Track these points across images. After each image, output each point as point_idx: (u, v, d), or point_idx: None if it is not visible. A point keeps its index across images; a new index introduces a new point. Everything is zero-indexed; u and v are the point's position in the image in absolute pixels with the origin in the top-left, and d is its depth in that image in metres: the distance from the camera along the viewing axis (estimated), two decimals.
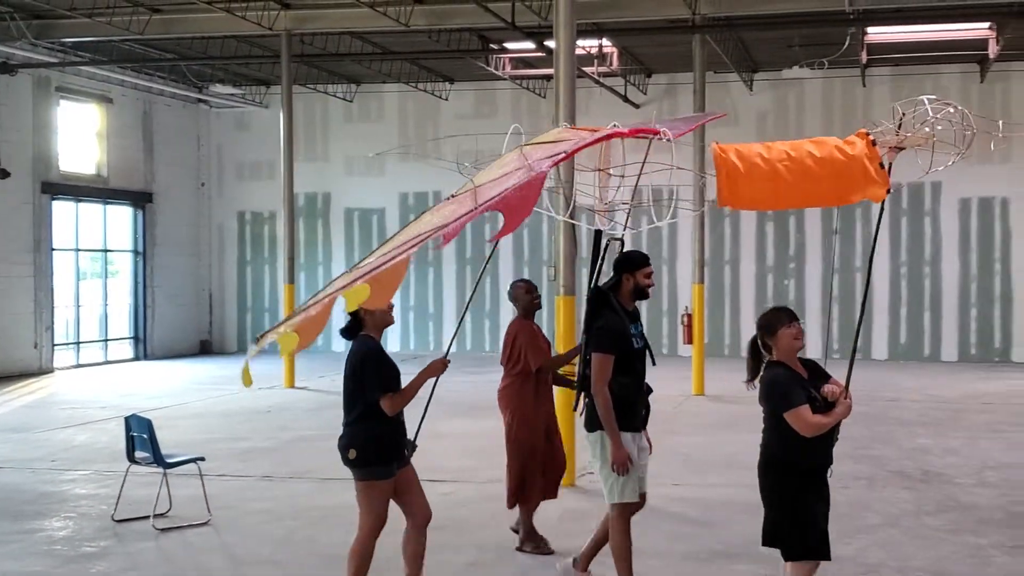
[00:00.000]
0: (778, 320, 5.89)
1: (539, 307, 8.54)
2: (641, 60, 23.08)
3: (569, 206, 7.80)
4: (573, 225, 10.99)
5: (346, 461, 6.49)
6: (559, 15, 10.99)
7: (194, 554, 8.48)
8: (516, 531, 8.41)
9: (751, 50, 21.88)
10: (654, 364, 7.00)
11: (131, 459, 9.48)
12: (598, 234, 7.15)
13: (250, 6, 18.35)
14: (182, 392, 18.76)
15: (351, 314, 6.52)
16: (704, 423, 14.62)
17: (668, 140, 6.86)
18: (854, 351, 6.04)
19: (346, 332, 6.63)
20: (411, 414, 6.59)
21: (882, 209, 6.16)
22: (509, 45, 20.63)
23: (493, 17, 16.90)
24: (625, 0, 17.79)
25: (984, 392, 18.03)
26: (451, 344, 7.39)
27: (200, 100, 26.47)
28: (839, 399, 5.69)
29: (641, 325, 7.04)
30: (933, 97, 5.98)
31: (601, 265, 7.01)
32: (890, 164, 5.98)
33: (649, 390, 6.96)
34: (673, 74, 23.63)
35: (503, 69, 22.41)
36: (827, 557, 5.82)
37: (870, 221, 23.19)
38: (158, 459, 9.20)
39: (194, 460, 9.58)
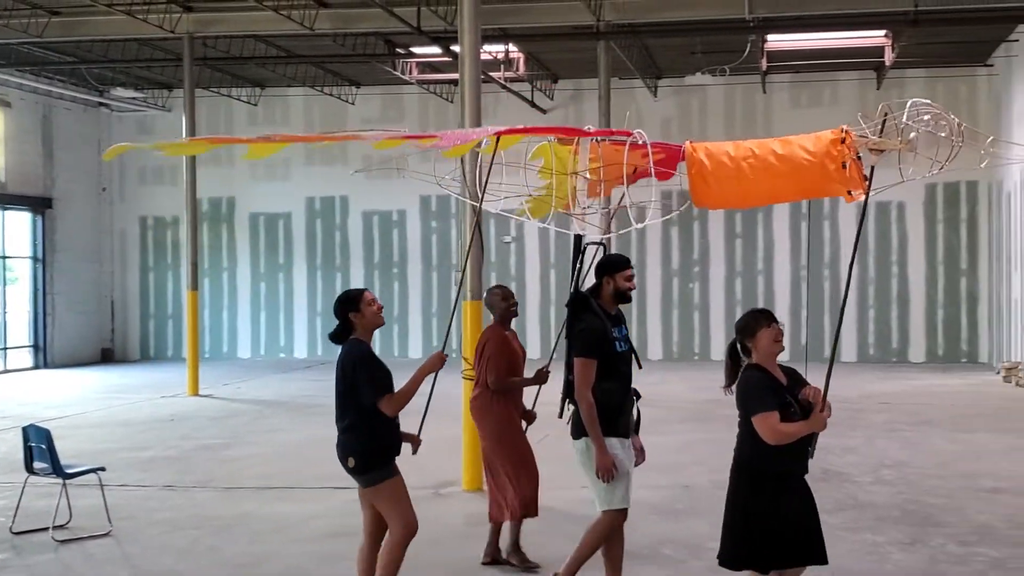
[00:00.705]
0: (757, 322, 5.77)
1: (515, 314, 8.25)
2: (547, 66, 23.23)
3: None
4: (480, 230, 11.01)
5: (347, 470, 6.41)
6: (464, 20, 11.01)
7: (95, 566, 8.32)
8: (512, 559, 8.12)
9: (655, 57, 22.14)
10: (640, 368, 6.87)
11: (29, 470, 9.27)
12: (578, 239, 7.06)
13: (151, 8, 18.06)
14: (83, 401, 18.38)
15: (340, 319, 6.46)
16: None
17: (644, 143, 6.82)
18: (831, 364, 5.86)
19: (335, 337, 6.52)
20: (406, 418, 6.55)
21: (864, 212, 6.12)
22: (415, 49, 20.61)
23: (399, 22, 16.87)
24: (531, 6, 17.89)
25: (882, 392, 18.47)
26: (446, 339, 7.20)
27: (101, 104, 25.98)
28: (815, 411, 5.51)
29: (626, 328, 6.90)
30: (926, 101, 5.88)
31: (580, 269, 6.95)
32: (872, 167, 5.90)
33: (637, 395, 6.83)
34: (579, 80, 23.83)
35: (410, 73, 22.38)
36: (788, 565, 5.66)
37: (771, 226, 23.62)
38: (57, 469, 9.01)
39: (94, 470, 9.39)
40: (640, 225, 7.57)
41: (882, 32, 19.41)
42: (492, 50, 20.09)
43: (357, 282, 24.87)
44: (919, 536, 8.71)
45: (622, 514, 6.69)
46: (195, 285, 19.65)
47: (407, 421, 6.65)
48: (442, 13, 16.63)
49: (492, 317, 8.29)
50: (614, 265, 6.79)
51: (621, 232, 7.73)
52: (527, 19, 18.16)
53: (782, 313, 23.48)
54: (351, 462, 6.34)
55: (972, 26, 18.84)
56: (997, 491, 10.47)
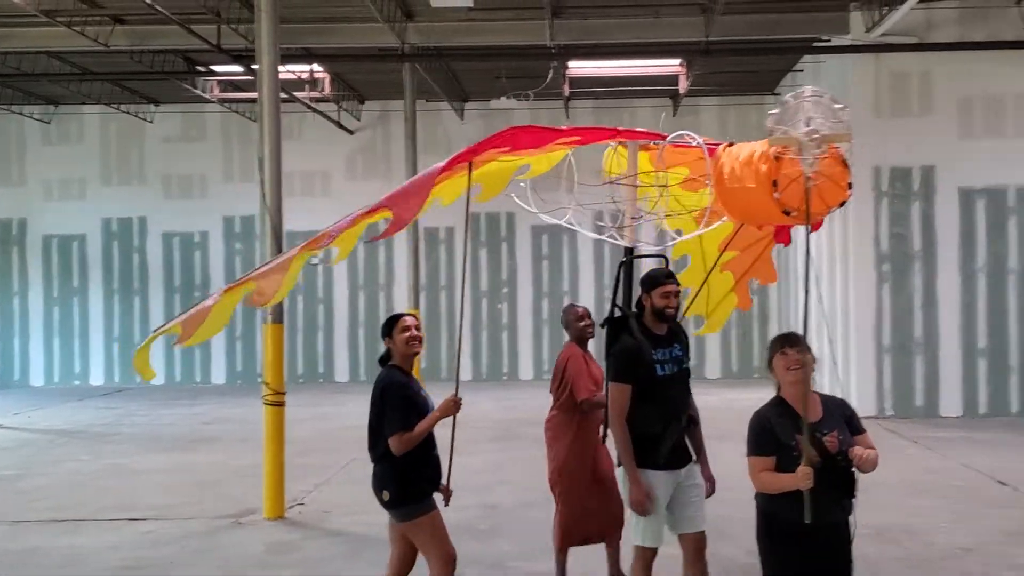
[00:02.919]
0: (772, 349, 5.23)
1: (591, 335, 7.79)
2: (354, 86, 23.16)
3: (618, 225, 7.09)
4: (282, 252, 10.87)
5: (382, 503, 6.16)
6: (262, 40, 10.91)
7: None
8: None
9: (461, 80, 22.36)
10: (686, 390, 6.39)
11: None
12: (629, 252, 6.62)
13: None
14: None
15: (384, 343, 6.35)
16: None
17: (698, 144, 6.29)
18: (806, 409, 5.08)
19: (380, 361, 6.38)
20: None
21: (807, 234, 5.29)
22: (217, 68, 20.23)
23: (198, 39, 16.54)
24: (335, 27, 17.80)
25: None
26: (457, 383, 6.52)
27: None
28: (801, 465, 4.94)
29: (678, 349, 6.34)
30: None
31: (618, 286, 6.51)
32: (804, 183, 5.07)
33: (691, 421, 6.35)
34: (386, 101, 23.83)
35: (211, 92, 21.95)
36: None
37: (575, 246, 24.09)
38: None
39: None
40: (686, 236, 7.02)
41: (677, 61, 20.12)
42: (296, 70, 19.91)
43: (156, 307, 24.17)
44: (710, 548, 9.01)
45: (651, 552, 6.31)
46: None
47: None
48: (243, 31, 16.39)
49: (568, 336, 7.88)
50: (650, 281, 6.30)
51: (666, 245, 7.20)
52: (331, 39, 18.06)
53: (525, 337, 23.90)
54: (386, 495, 6.10)
55: (760, 57, 19.72)
56: None
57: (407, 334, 6.28)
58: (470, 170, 6.23)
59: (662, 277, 6.26)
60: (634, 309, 6.43)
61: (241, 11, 16.12)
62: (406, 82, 18.90)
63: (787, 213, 5.14)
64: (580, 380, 7.57)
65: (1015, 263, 17.09)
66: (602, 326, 6.43)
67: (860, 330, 17.23)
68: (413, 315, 6.47)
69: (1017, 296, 17.01)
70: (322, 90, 21.57)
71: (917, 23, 16.68)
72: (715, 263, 7.28)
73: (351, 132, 24.07)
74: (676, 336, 6.36)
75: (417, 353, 6.39)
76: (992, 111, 17.15)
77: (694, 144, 6.33)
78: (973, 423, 16.41)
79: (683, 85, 20.92)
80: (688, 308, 7.31)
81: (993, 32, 16.79)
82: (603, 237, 6.81)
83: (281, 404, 10.63)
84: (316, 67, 20.62)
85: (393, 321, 6.35)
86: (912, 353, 17.19)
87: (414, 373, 6.53)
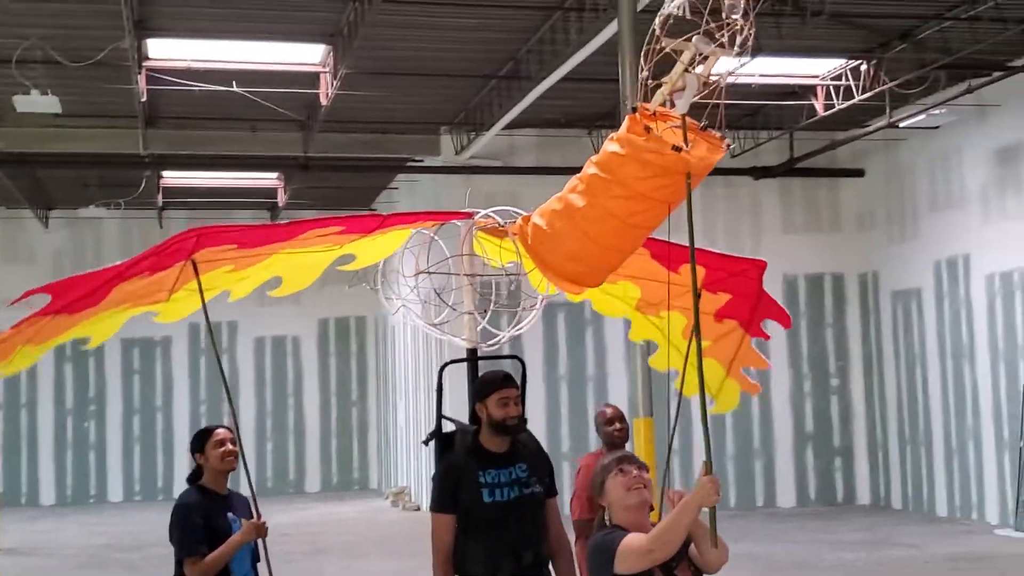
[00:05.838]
0: (606, 471, 4.34)
1: (625, 439, 7.38)
2: None
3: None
4: None
5: None
6: None
7: None
8: None
9: (46, 187, 21.34)
10: (532, 520, 5.21)
11: None
12: (472, 353, 5.74)
13: None
14: None
15: (195, 459, 5.71)
16: None
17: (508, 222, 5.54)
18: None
19: (188, 479, 5.75)
20: None
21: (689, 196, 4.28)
22: None
23: None
24: None
25: (280, 523, 18.63)
26: (255, 503, 5.70)
27: None
28: (704, 475, 3.99)
29: (522, 469, 5.17)
30: None
31: (441, 395, 5.56)
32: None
33: (540, 559, 5.15)
34: None
35: None
36: None
37: (169, 360, 23.38)
38: None
39: None
40: (513, 331, 6.36)
41: (275, 175, 20.32)
42: None
43: None
44: None
45: None
46: None
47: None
48: None
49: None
50: (484, 387, 5.21)
51: (490, 344, 6.26)
52: None
53: (115, 452, 23.12)
54: None
55: (357, 173, 20.32)
56: None
57: (223, 448, 5.71)
58: (197, 273, 5.48)
59: (498, 381, 5.20)
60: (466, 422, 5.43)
61: None
62: None
63: (677, 149, 4.07)
64: (580, 496, 7.27)
65: (592, 370, 18.41)
66: (424, 443, 5.52)
67: None
68: (226, 427, 5.90)
69: (593, 400, 18.27)
70: None
71: (502, 148, 17.84)
72: (687, 350, 6.43)
73: None
74: (521, 454, 5.26)
75: (233, 469, 5.80)
76: None
77: (500, 223, 5.63)
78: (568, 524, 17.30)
79: (282, 198, 21.11)
80: (684, 387, 6.23)
81: (568, 158, 18.23)
82: (443, 335, 6.26)
83: None
84: None
85: (205, 435, 5.78)
86: None
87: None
